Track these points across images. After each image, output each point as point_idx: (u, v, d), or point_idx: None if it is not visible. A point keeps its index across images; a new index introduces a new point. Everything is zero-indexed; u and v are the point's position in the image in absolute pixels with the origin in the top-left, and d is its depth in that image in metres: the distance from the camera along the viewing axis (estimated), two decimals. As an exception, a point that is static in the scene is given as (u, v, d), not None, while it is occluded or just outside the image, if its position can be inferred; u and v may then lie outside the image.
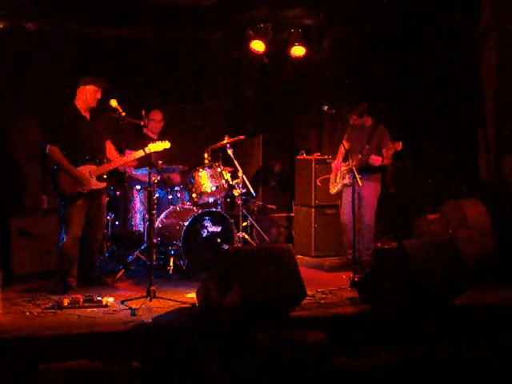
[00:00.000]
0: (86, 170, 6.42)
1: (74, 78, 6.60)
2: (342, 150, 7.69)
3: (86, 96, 6.45)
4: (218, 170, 7.68)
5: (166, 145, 6.69)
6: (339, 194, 7.83)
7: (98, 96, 6.48)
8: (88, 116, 6.54)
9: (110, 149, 6.74)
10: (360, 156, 7.42)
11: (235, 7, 8.22)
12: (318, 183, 8.36)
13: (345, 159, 7.62)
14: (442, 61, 8.47)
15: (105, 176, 7.01)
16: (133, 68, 8.50)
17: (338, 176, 7.74)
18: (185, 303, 5.94)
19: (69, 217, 6.40)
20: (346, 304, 6.07)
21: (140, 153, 6.58)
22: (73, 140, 6.39)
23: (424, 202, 8.44)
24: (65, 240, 6.39)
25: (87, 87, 6.44)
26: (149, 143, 6.62)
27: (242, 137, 8.07)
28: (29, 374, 4.60)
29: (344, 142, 7.56)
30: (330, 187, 7.89)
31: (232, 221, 7.49)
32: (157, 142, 6.65)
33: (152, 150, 6.58)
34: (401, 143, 7.07)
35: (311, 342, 4.95)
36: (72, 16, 7.82)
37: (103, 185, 6.54)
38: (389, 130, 7.55)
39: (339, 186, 7.72)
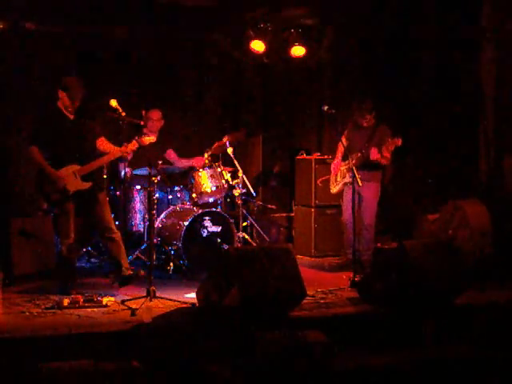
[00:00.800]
0: (69, 171, 6.27)
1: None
2: (340, 149, 7.68)
3: (64, 98, 6.33)
4: (218, 169, 7.69)
5: (152, 139, 6.58)
6: (340, 194, 7.83)
7: (73, 100, 6.29)
8: (72, 116, 6.39)
9: (105, 145, 6.56)
10: (359, 154, 7.42)
11: (235, 7, 8.22)
12: (318, 183, 8.36)
13: (344, 158, 7.62)
14: (442, 60, 8.47)
15: (105, 176, 6.97)
16: (133, 68, 8.49)
17: (339, 175, 7.74)
18: (185, 303, 5.94)
19: (60, 222, 6.37)
20: (346, 304, 6.07)
21: (119, 150, 6.46)
22: (54, 140, 6.29)
23: (424, 201, 8.44)
24: (60, 246, 6.37)
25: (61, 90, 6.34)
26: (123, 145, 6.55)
27: (240, 133, 8.10)
28: (29, 374, 4.59)
29: (343, 139, 7.55)
30: (331, 187, 7.89)
31: (232, 221, 7.49)
32: (144, 137, 6.53)
33: (135, 147, 6.47)
34: (400, 139, 7.08)
35: (311, 342, 4.94)
36: (72, 16, 7.81)
37: (88, 185, 6.34)
38: (389, 131, 7.56)
39: (340, 185, 7.72)
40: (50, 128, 6.32)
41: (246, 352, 4.97)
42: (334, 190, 7.85)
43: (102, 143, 6.56)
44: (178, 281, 7.04)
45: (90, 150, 6.48)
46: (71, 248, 6.38)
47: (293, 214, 9.00)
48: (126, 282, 6.47)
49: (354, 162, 7.23)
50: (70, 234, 6.33)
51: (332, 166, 7.85)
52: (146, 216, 7.46)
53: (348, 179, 7.48)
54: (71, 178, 6.29)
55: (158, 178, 7.32)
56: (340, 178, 7.71)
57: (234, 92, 9.44)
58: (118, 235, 6.49)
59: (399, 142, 7.09)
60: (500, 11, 8.19)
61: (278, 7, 8.38)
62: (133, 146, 6.46)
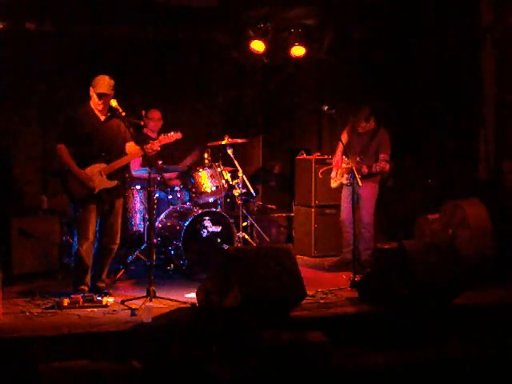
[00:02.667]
0: (96, 170, 6.23)
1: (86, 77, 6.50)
2: (340, 147, 7.69)
3: (94, 97, 6.28)
4: (218, 170, 7.69)
5: (178, 135, 6.58)
6: (339, 191, 7.83)
7: (100, 100, 6.21)
8: (103, 116, 6.33)
9: (133, 149, 6.43)
10: (358, 159, 7.44)
11: (235, 7, 8.23)
12: (319, 175, 8.35)
13: (345, 153, 7.61)
14: (442, 61, 8.48)
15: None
16: (133, 68, 8.49)
17: (338, 173, 7.75)
18: (185, 303, 5.94)
19: (80, 221, 6.26)
20: (346, 304, 6.08)
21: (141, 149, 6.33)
22: (82, 139, 6.23)
23: (424, 201, 8.44)
24: (78, 246, 6.28)
25: (91, 88, 6.28)
26: (150, 142, 6.54)
27: (243, 140, 8.08)
28: (29, 374, 4.60)
29: (342, 137, 7.53)
30: (331, 181, 7.88)
31: (232, 221, 7.49)
32: (169, 134, 6.53)
33: (161, 143, 6.48)
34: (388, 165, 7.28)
35: (311, 342, 4.94)
36: (72, 16, 7.82)
37: (114, 183, 6.30)
38: (389, 131, 7.57)
39: (338, 182, 7.74)
40: (79, 128, 6.25)
41: (246, 352, 4.97)
42: (334, 184, 7.84)
43: (131, 147, 6.43)
44: (178, 281, 7.04)
45: (117, 150, 6.39)
46: (88, 250, 6.29)
47: (293, 214, 9.00)
48: (96, 292, 6.24)
49: (353, 163, 7.24)
50: (89, 235, 6.25)
51: (333, 160, 7.86)
52: (146, 216, 7.45)
53: (345, 181, 7.57)
54: (97, 176, 6.24)
55: (159, 177, 7.30)
56: (339, 175, 7.72)
57: (234, 92, 9.44)
58: (116, 246, 6.45)
59: (386, 167, 7.30)
60: (499, 10, 8.20)
61: (278, 7, 8.38)
62: (159, 142, 6.45)
